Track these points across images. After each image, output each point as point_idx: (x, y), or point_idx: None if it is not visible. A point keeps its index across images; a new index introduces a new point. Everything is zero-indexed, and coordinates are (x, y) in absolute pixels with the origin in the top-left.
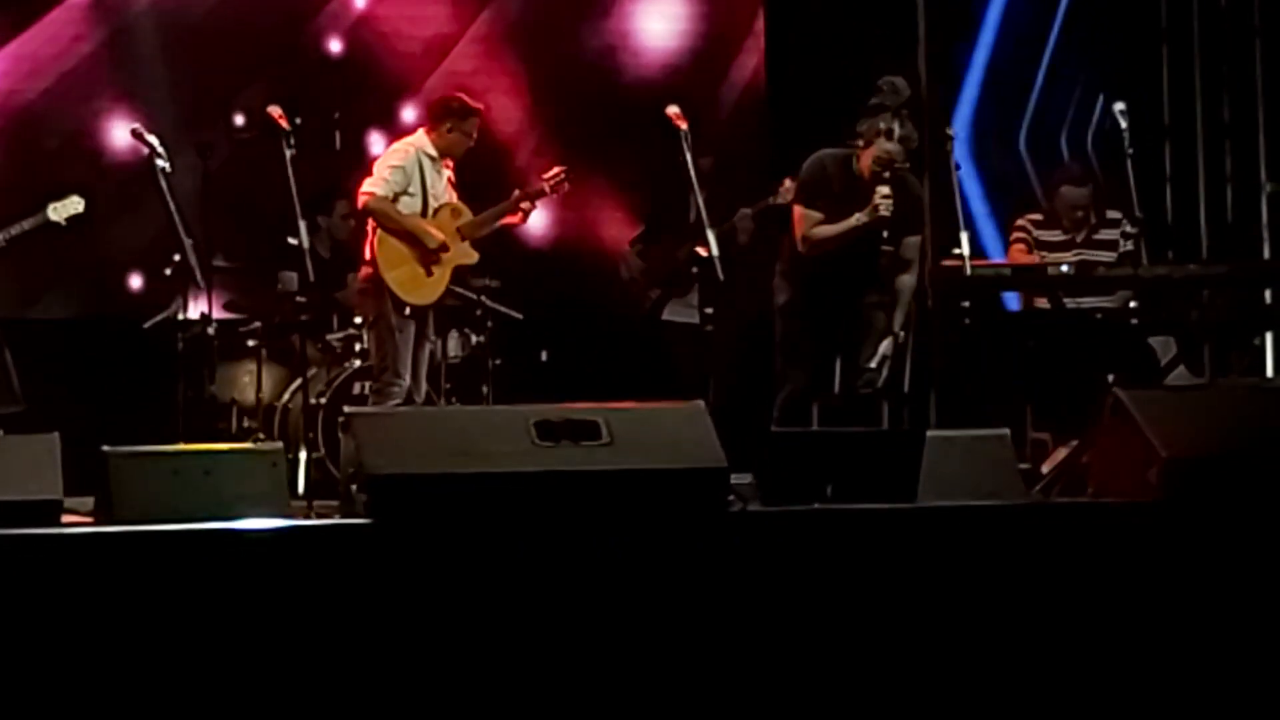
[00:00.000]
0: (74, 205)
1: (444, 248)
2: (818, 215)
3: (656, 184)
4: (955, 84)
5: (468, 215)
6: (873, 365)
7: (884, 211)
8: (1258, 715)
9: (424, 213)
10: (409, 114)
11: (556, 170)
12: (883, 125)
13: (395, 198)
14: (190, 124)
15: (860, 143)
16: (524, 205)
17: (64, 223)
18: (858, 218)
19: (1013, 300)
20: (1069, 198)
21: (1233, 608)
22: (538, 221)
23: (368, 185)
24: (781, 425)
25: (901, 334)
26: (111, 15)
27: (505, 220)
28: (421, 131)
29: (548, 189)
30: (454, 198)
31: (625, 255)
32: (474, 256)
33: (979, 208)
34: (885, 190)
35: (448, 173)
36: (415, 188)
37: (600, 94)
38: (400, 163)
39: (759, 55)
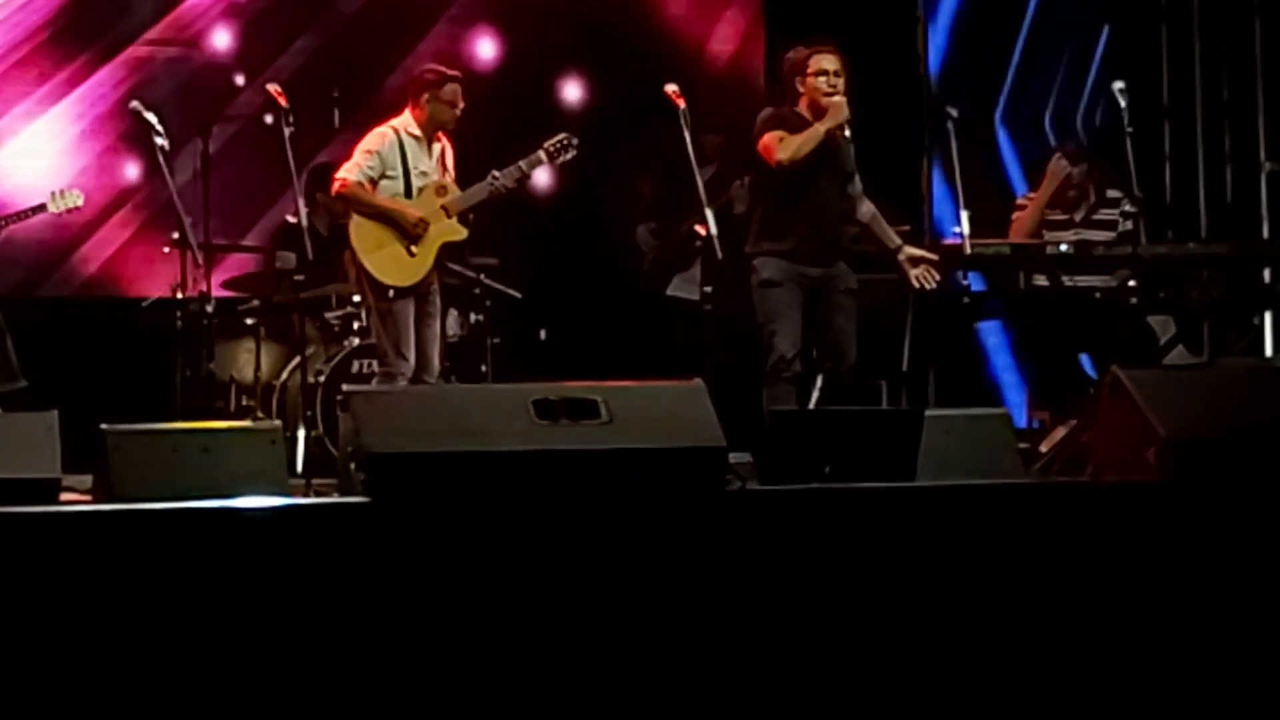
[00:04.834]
0: (73, 198)
1: (423, 225)
2: (783, 132)
3: (664, 164)
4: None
5: (454, 192)
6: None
7: (842, 116)
8: (1254, 696)
9: (407, 193)
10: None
11: (560, 136)
12: (803, 56)
13: (373, 182)
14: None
15: (799, 87)
16: (506, 185)
17: (62, 214)
18: (819, 126)
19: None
20: (1058, 170)
21: (1231, 587)
22: (540, 198)
23: (342, 171)
24: (768, 392)
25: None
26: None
27: (491, 195)
28: (406, 111)
29: (544, 158)
30: (445, 174)
31: (640, 235)
32: (462, 233)
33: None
34: (836, 98)
35: (440, 147)
36: (396, 169)
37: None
38: (375, 147)
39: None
